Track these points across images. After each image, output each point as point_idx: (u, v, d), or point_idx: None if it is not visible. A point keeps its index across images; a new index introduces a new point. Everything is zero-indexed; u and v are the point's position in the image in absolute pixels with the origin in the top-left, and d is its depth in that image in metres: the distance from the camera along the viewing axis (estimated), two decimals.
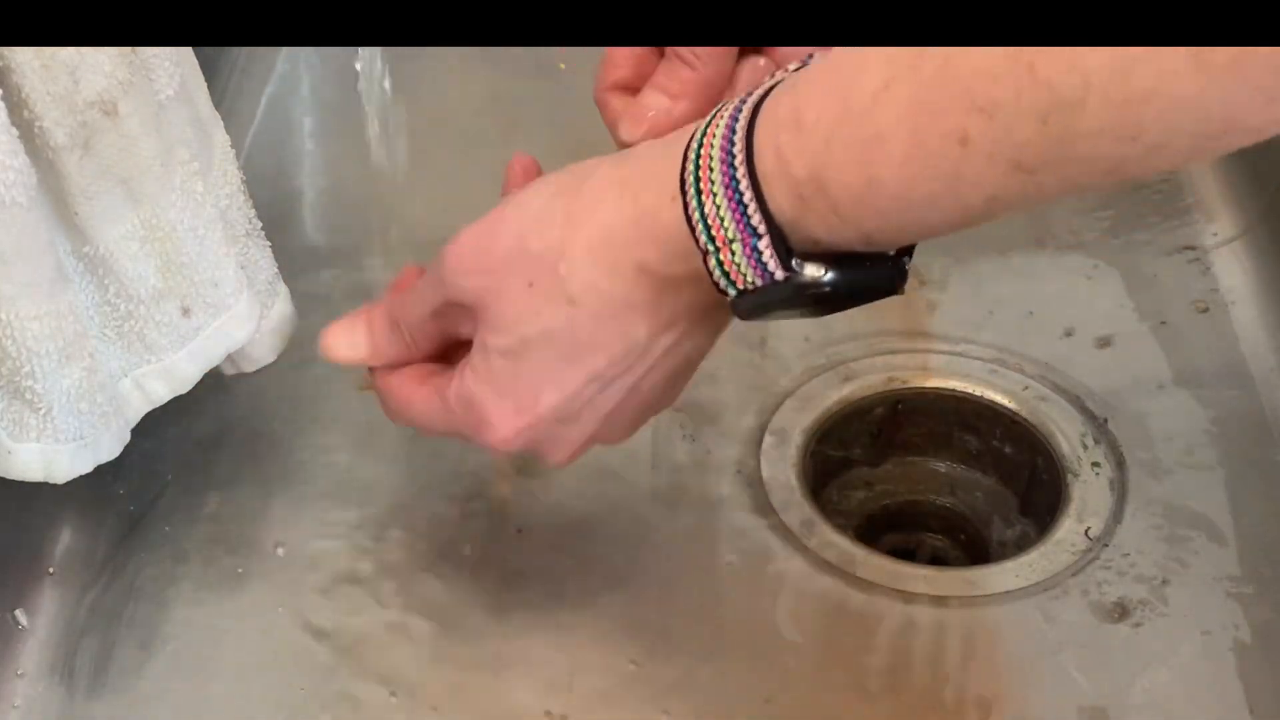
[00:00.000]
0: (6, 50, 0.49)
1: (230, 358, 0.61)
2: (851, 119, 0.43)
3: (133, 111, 0.53)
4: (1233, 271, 0.77)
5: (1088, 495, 0.67)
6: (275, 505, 0.68)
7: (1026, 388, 0.72)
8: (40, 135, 0.51)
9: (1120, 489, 0.67)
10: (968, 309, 0.75)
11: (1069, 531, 0.66)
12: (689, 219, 0.47)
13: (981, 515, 0.73)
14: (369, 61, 0.90)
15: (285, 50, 0.89)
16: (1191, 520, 0.66)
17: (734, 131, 0.46)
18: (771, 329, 0.75)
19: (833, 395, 0.72)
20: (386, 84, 0.89)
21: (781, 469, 0.69)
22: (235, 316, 0.59)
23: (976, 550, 0.72)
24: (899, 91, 0.42)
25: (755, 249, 0.46)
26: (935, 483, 0.74)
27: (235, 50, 0.85)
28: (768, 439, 0.70)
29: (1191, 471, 0.68)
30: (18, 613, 0.63)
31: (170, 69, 0.55)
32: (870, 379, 0.73)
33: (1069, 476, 0.68)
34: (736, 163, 0.45)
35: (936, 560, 0.73)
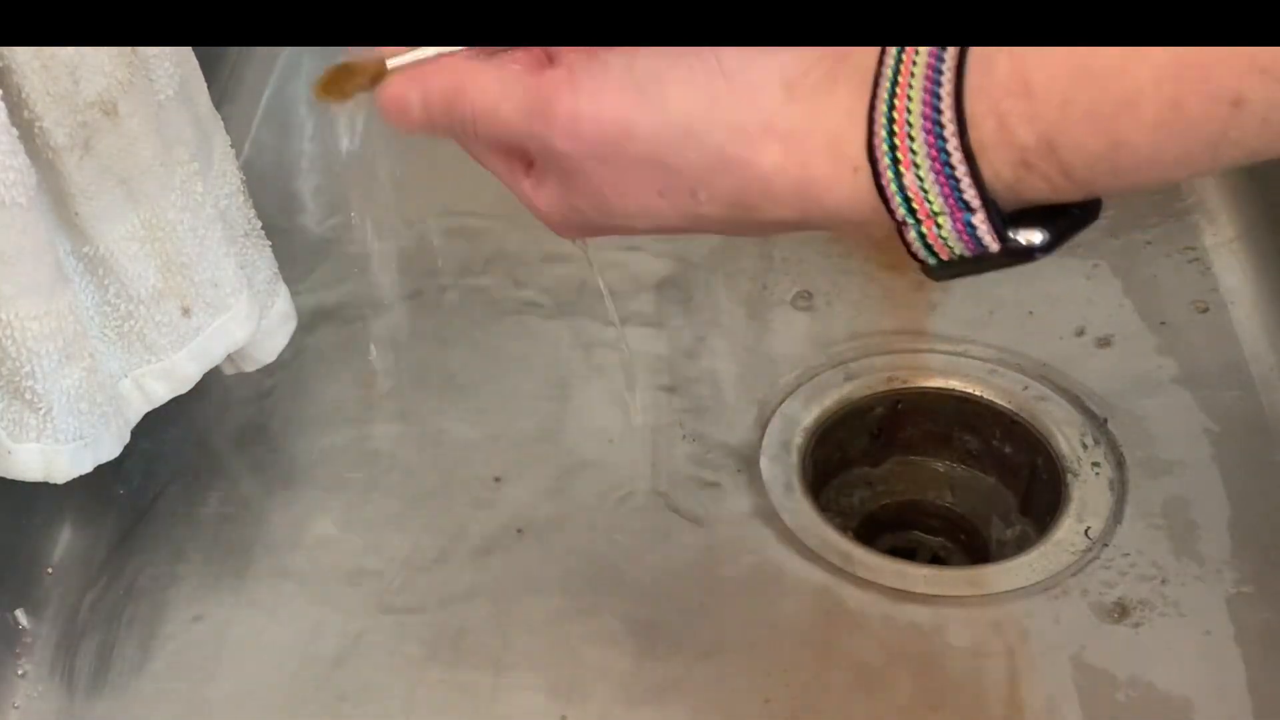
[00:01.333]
0: (6, 50, 0.49)
1: (230, 358, 0.61)
2: (1094, 81, 0.39)
3: (133, 112, 0.53)
4: (1233, 271, 0.77)
5: (1088, 495, 0.67)
6: (275, 505, 0.68)
7: (1026, 388, 0.72)
8: (40, 135, 0.51)
9: (1120, 489, 0.67)
10: (968, 309, 0.75)
11: (1069, 531, 0.66)
12: (882, 191, 0.43)
13: (981, 515, 0.73)
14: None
15: (285, 50, 0.89)
16: (1191, 520, 0.66)
17: (938, 98, 0.41)
18: (771, 328, 0.75)
19: (833, 395, 0.72)
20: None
21: (781, 469, 0.69)
22: (235, 316, 0.59)
23: (976, 550, 0.72)
24: (1153, 55, 0.38)
25: (968, 223, 0.42)
26: (935, 483, 0.74)
27: (235, 50, 0.85)
28: (768, 439, 0.70)
29: (1191, 471, 0.68)
30: (18, 613, 0.63)
31: (170, 69, 0.55)
32: (870, 379, 0.73)
33: (1069, 476, 0.68)
34: (947, 134, 0.41)
35: (936, 560, 0.73)
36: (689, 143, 0.44)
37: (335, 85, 0.50)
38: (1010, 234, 0.42)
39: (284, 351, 0.64)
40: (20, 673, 0.62)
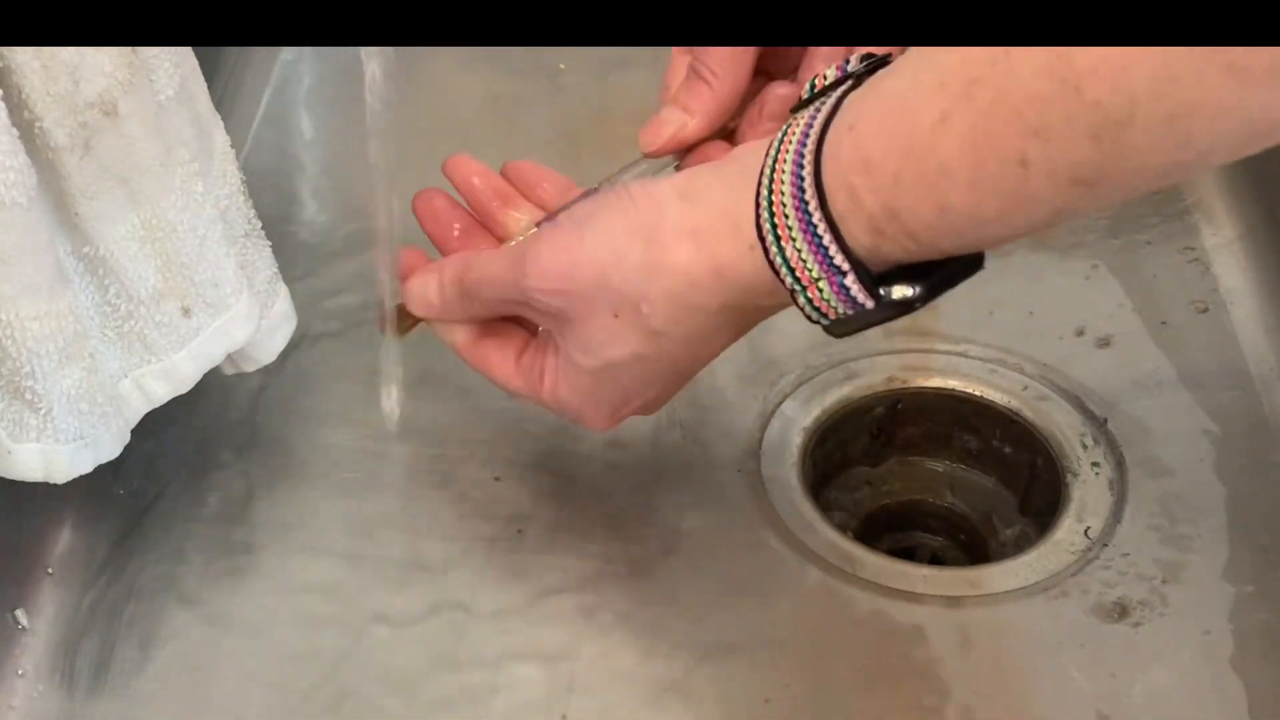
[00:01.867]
0: (6, 50, 0.49)
1: (230, 358, 0.61)
2: (915, 154, 0.45)
3: (133, 112, 0.53)
4: (1233, 271, 0.77)
5: (1087, 495, 0.67)
6: (275, 505, 0.68)
7: (1026, 388, 0.72)
8: (40, 136, 0.51)
9: (1120, 489, 0.67)
10: (968, 309, 0.75)
11: (1069, 531, 0.66)
12: (772, 264, 0.49)
13: (981, 515, 0.73)
14: (369, 61, 0.90)
15: (285, 50, 0.89)
16: (1191, 520, 0.66)
17: (801, 179, 0.48)
18: (770, 328, 0.74)
19: (833, 395, 0.72)
20: (386, 84, 0.89)
21: (781, 469, 0.69)
22: (235, 317, 0.59)
23: (976, 550, 0.72)
24: (956, 124, 0.44)
25: (842, 285, 0.48)
26: (935, 483, 0.74)
27: (235, 50, 0.85)
28: (768, 439, 0.70)
29: (1191, 471, 0.68)
30: (18, 613, 0.63)
31: (170, 69, 0.55)
32: (870, 379, 0.73)
33: (1069, 476, 0.68)
34: (810, 208, 0.47)
35: (936, 560, 0.73)
36: (619, 260, 0.52)
37: (397, 326, 0.62)
38: (882, 291, 0.48)
39: (284, 351, 0.64)
40: (20, 673, 0.62)
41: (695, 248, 0.51)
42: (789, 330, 0.74)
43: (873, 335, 0.74)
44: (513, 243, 0.60)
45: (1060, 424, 0.70)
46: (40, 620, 0.63)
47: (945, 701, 0.60)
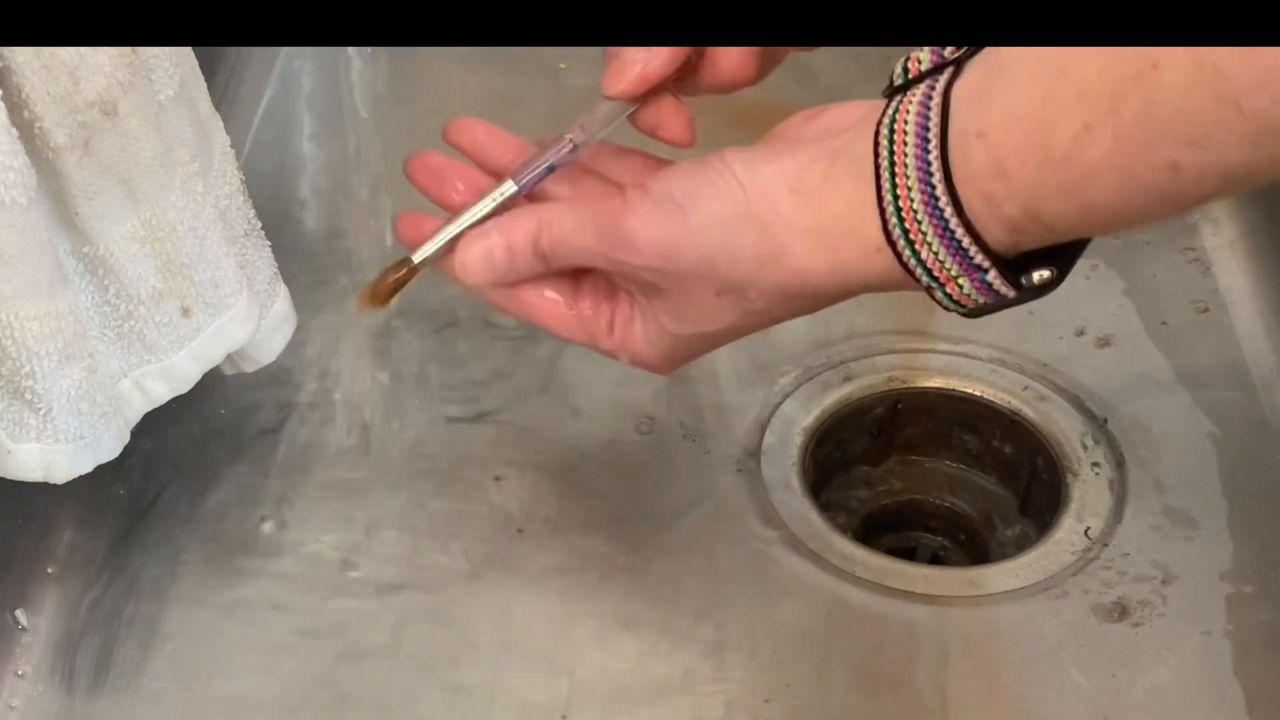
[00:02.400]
0: (6, 50, 0.49)
1: (230, 358, 0.61)
2: (1055, 164, 0.45)
3: (133, 112, 0.53)
4: (1233, 272, 0.77)
5: (1087, 495, 0.67)
6: (275, 505, 0.68)
7: (1026, 388, 0.72)
8: (40, 136, 0.51)
9: (1120, 489, 0.67)
10: None
11: (1069, 531, 0.66)
12: (905, 266, 0.49)
13: (981, 515, 0.73)
14: (368, 61, 0.90)
15: (285, 50, 0.89)
16: (1191, 520, 0.66)
17: (932, 185, 0.47)
18: (771, 329, 0.74)
19: (833, 395, 0.72)
20: (385, 84, 0.89)
21: (781, 469, 0.69)
22: (235, 317, 0.59)
23: (976, 550, 0.72)
24: (1100, 136, 0.44)
25: (984, 281, 0.48)
26: (935, 483, 0.74)
27: (235, 50, 0.85)
28: (768, 439, 0.70)
29: (1191, 471, 0.68)
30: (18, 612, 0.63)
31: (170, 69, 0.55)
32: (870, 379, 0.73)
33: (1069, 476, 0.68)
34: (946, 214, 0.47)
35: (936, 560, 0.73)
36: (729, 249, 0.51)
37: (375, 296, 0.57)
38: (1023, 280, 0.48)
39: (283, 351, 0.64)
40: (20, 673, 0.62)
41: (813, 246, 0.50)
42: (789, 330, 0.74)
43: (873, 335, 0.74)
44: (589, 207, 0.56)
45: (1060, 424, 0.70)
46: (40, 620, 0.63)
47: (945, 701, 0.60)
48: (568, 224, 0.54)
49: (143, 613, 0.64)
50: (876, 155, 0.49)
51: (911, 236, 0.48)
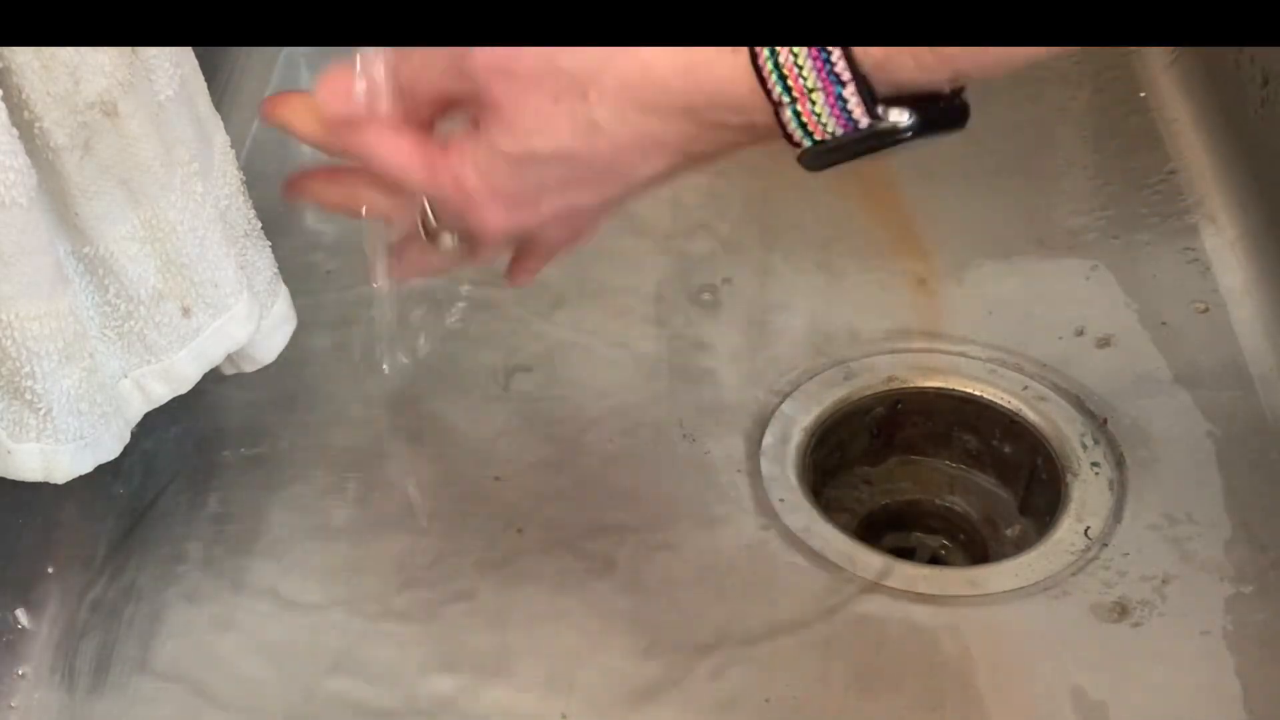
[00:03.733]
0: (6, 51, 0.49)
1: (230, 358, 0.61)
2: None
3: (133, 112, 0.53)
4: (1233, 272, 0.77)
5: (1087, 495, 0.67)
6: (275, 505, 0.68)
7: (1026, 388, 0.72)
8: (40, 136, 0.51)
9: (1120, 489, 0.67)
10: (968, 309, 0.75)
11: (1069, 531, 0.66)
12: (759, 70, 0.46)
13: (981, 515, 0.73)
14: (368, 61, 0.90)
15: (285, 50, 0.89)
16: (1191, 520, 0.66)
17: None
18: (771, 328, 0.75)
19: (833, 395, 0.72)
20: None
21: (781, 469, 0.69)
22: (235, 317, 0.59)
23: (976, 550, 0.72)
24: None
25: (840, 97, 0.45)
26: (935, 483, 0.74)
27: (235, 50, 0.85)
28: (768, 439, 0.70)
29: (1191, 471, 0.68)
30: (18, 612, 0.63)
31: (170, 69, 0.55)
32: (870, 379, 0.73)
33: (1069, 476, 0.68)
34: None
35: (936, 560, 0.73)
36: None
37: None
38: (880, 110, 0.45)
39: (283, 351, 0.64)
40: (20, 673, 0.62)
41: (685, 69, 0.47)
42: (789, 330, 0.75)
43: (873, 335, 0.74)
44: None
45: (1060, 424, 0.70)
46: (41, 620, 0.63)
47: (945, 701, 0.60)
48: (421, 56, 0.52)
49: (143, 612, 0.64)
50: None
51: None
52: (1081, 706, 0.60)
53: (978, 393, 0.72)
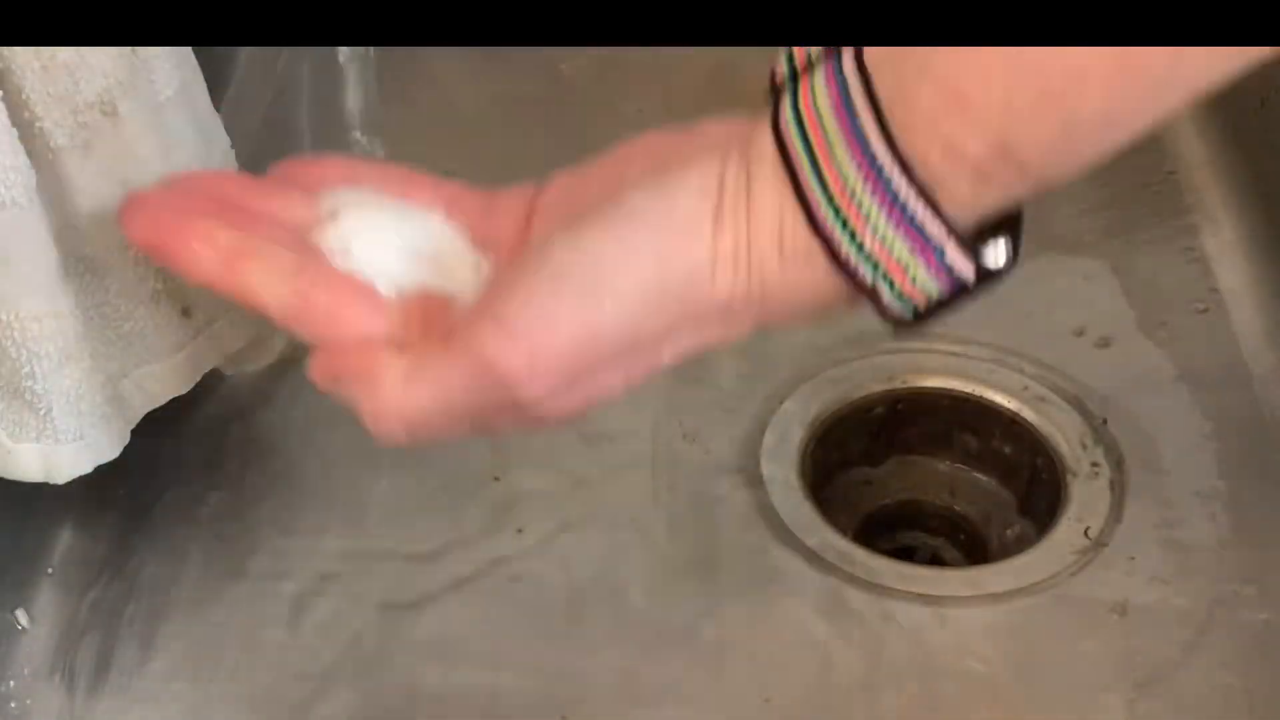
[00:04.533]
0: (6, 51, 0.49)
1: (230, 358, 0.61)
2: (1034, 68, 0.39)
3: (133, 112, 0.53)
4: (1233, 272, 0.77)
5: (1087, 495, 0.67)
6: (275, 505, 0.68)
7: (1026, 388, 0.72)
8: (40, 136, 0.51)
9: (1120, 489, 0.67)
10: (968, 309, 0.75)
11: (1068, 531, 0.66)
12: (844, 265, 0.42)
13: (981, 515, 0.73)
14: (368, 61, 0.90)
15: (285, 50, 0.89)
16: (1191, 520, 0.66)
17: (869, 153, 0.41)
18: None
19: (833, 395, 0.72)
20: (386, 84, 0.89)
21: (781, 469, 0.69)
22: (234, 317, 0.59)
23: (976, 550, 0.72)
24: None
25: (942, 262, 0.42)
26: (935, 483, 0.74)
27: (235, 50, 0.85)
28: (768, 439, 0.70)
29: (1191, 471, 0.68)
30: (18, 613, 0.63)
31: (170, 70, 0.55)
32: (870, 379, 0.73)
33: (1068, 476, 0.68)
34: (894, 183, 0.41)
35: (936, 560, 0.73)
36: (651, 313, 0.44)
37: None
38: (982, 254, 0.42)
39: (283, 351, 0.64)
40: (20, 673, 0.62)
41: (734, 269, 0.43)
42: (789, 330, 0.74)
43: (873, 335, 0.74)
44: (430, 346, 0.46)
45: (1060, 424, 0.70)
46: (41, 620, 0.63)
47: (944, 702, 0.60)
48: (422, 394, 0.46)
49: (143, 613, 0.64)
50: (785, 147, 0.43)
51: (852, 225, 0.42)
52: (1082, 707, 0.60)
53: (978, 393, 0.72)
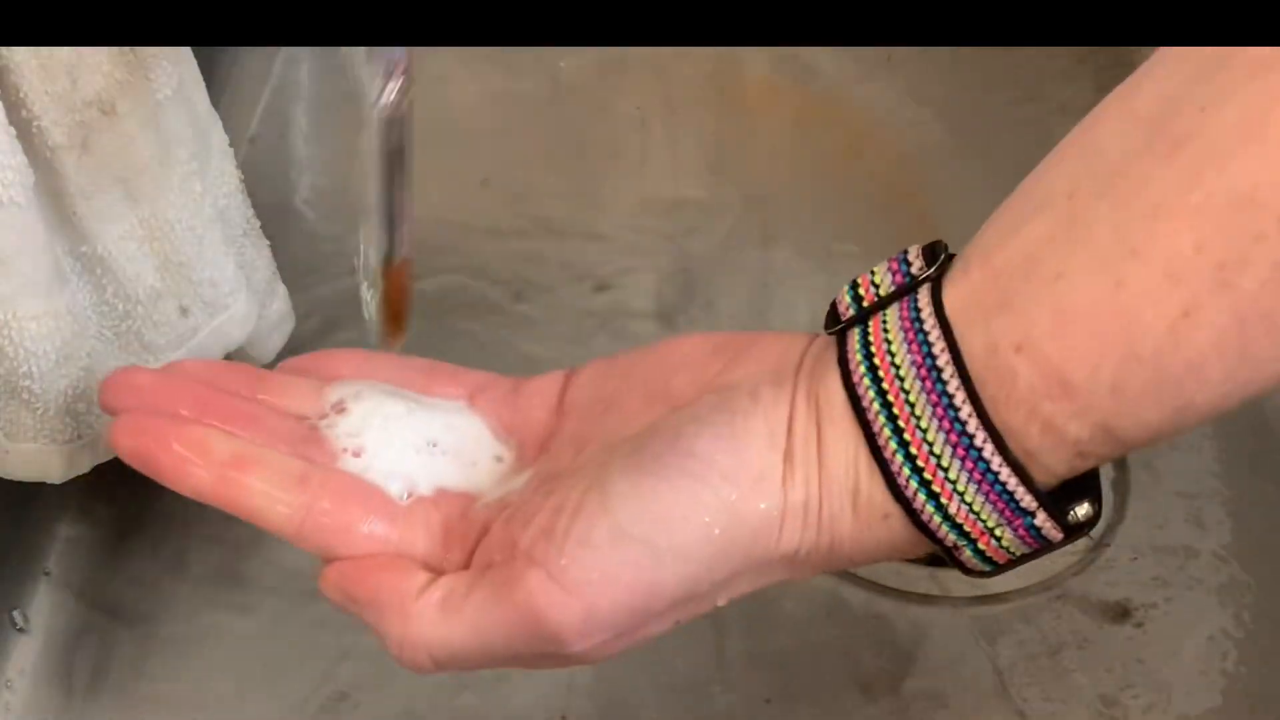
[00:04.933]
0: (4, 50, 0.49)
1: (228, 357, 0.61)
2: (1144, 360, 0.37)
3: (131, 111, 0.53)
4: None
5: None
6: None
7: None
8: (38, 135, 0.51)
9: (1120, 489, 0.67)
10: None
11: None
12: (926, 527, 0.41)
13: None
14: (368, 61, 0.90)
15: (285, 50, 0.89)
16: (1192, 520, 0.66)
17: (960, 423, 0.39)
18: (772, 328, 0.74)
19: None
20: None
21: None
22: (233, 316, 0.59)
23: None
24: (1209, 317, 0.36)
25: (1030, 527, 0.40)
26: None
27: (234, 50, 0.85)
28: None
29: (1191, 471, 0.68)
30: (15, 614, 0.63)
31: (168, 68, 0.55)
32: None
33: None
34: (986, 454, 0.39)
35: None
36: (714, 567, 0.41)
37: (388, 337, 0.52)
38: (1069, 517, 0.41)
39: (281, 352, 0.64)
40: (18, 673, 0.62)
41: (804, 525, 0.41)
42: (790, 329, 0.74)
43: None
44: (476, 594, 0.42)
45: None
46: (38, 621, 0.63)
47: (945, 702, 0.60)
48: (457, 632, 0.42)
49: (141, 613, 0.64)
50: (856, 398, 0.41)
51: (935, 487, 0.40)
52: (1082, 707, 0.60)
53: None
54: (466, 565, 0.44)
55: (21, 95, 0.50)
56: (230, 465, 0.45)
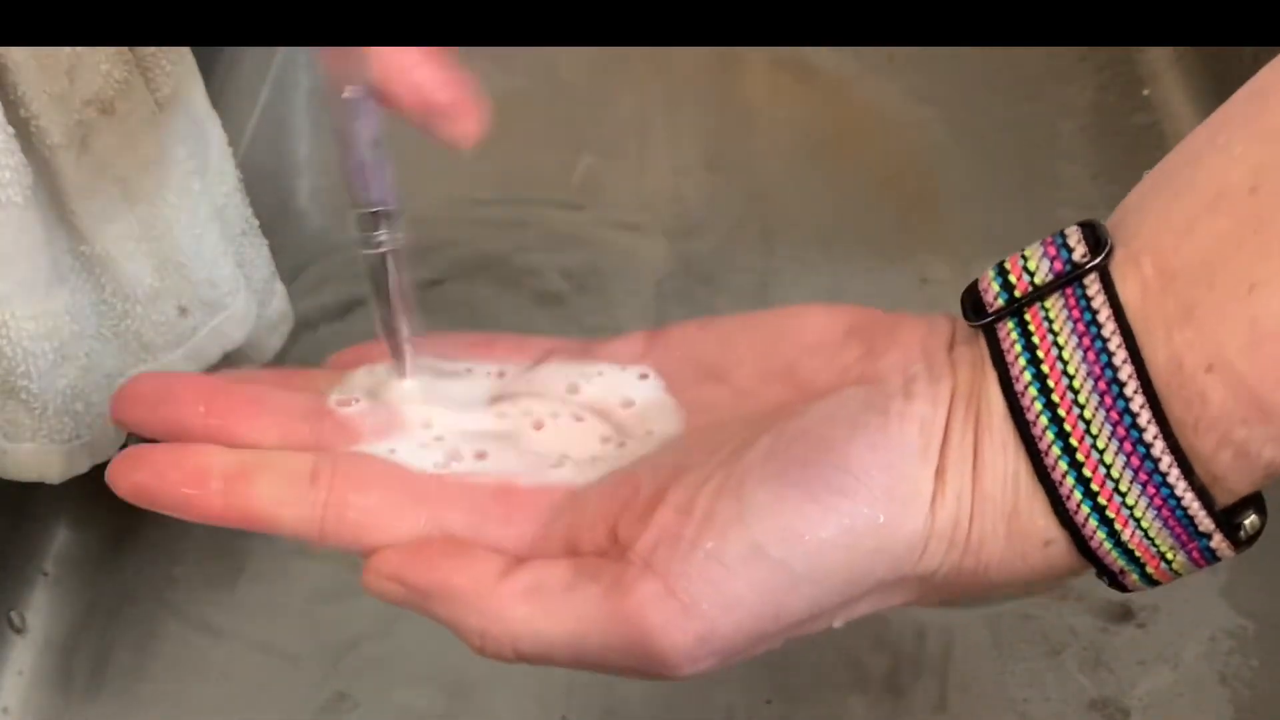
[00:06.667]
0: (3, 50, 0.49)
1: (227, 357, 0.61)
2: None
3: (130, 110, 0.53)
4: None
5: None
6: None
7: None
8: (37, 134, 0.51)
9: None
10: None
11: None
12: (1093, 554, 0.37)
13: None
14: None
15: (283, 50, 0.89)
16: None
17: (1144, 445, 0.36)
18: None
19: None
20: None
21: None
22: (232, 316, 0.59)
23: None
24: None
25: (1205, 549, 0.37)
26: None
27: (233, 50, 0.85)
28: None
29: None
30: (14, 615, 0.63)
31: (167, 68, 0.55)
32: None
33: None
34: (1170, 479, 0.36)
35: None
36: (845, 591, 0.38)
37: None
38: (1241, 532, 0.37)
39: (280, 351, 0.64)
40: (17, 674, 0.62)
41: (949, 549, 0.37)
42: None
43: None
44: (589, 590, 0.37)
45: None
46: (37, 621, 0.63)
47: (945, 702, 0.60)
48: (547, 625, 0.38)
49: (140, 614, 0.64)
50: (1020, 412, 0.37)
51: (1110, 515, 0.37)
52: (1083, 707, 0.60)
53: None
54: (540, 541, 0.39)
55: (20, 94, 0.50)
56: (235, 478, 0.41)
